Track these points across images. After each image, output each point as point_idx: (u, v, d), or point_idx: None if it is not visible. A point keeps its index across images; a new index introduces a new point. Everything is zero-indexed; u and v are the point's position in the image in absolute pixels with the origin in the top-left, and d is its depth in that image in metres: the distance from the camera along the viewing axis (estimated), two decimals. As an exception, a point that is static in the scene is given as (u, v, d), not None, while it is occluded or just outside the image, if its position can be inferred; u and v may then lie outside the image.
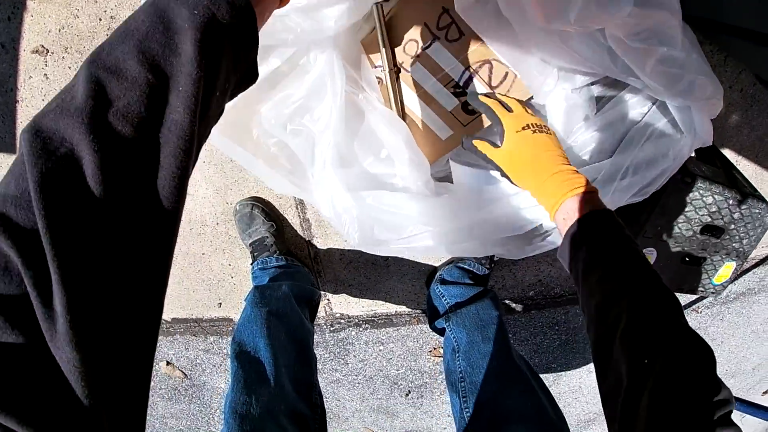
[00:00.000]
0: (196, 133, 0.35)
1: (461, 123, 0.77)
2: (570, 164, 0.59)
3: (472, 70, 0.74)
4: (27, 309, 0.27)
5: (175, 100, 0.34)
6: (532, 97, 0.75)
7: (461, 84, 0.76)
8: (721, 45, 0.96)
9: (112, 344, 0.29)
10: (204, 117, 0.37)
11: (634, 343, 0.42)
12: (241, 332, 0.87)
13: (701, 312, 1.44)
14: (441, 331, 1.00)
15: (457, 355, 0.87)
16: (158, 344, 1.37)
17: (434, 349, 1.35)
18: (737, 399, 1.34)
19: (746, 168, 1.16)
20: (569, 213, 0.55)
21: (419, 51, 0.73)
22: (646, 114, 0.75)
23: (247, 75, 0.42)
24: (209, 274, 1.23)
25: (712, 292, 0.97)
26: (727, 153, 1.13)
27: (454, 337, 0.90)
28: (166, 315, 1.31)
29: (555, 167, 0.58)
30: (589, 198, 0.55)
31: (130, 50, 0.33)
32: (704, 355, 0.41)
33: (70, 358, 0.27)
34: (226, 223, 1.14)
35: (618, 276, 0.48)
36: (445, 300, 1.03)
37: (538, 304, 1.26)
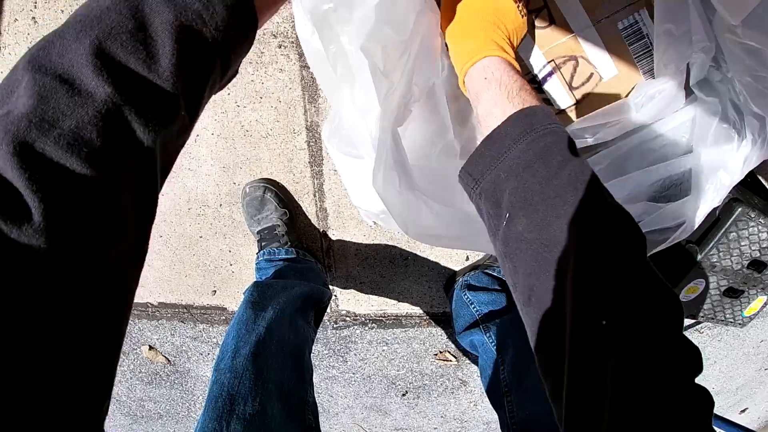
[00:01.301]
0: (159, 166, 0.28)
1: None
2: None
3: (554, 65, 0.64)
4: None
5: (139, 126, 0.25)
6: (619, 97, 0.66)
7: (539, 78, 0.65)
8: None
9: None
10: (175, 142, 0.29)
11: (586, 296, 0.32)
12: (228, 335, 0.76)
13: (702, 332, 1.44)
14: (472, 343, 0.91)
15: (502, 368, 0.78)
16: (141, 328, 1.25)
17: (440, 352, 1.28)
18: (715, 416, 1.35)
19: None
20: (486, 88, 0.41)
21: None
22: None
23: (228, 80, 0.34)
24: (205, 259, 1.10)
25: (740, 324, 0.97)
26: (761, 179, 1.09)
27: (496, 349, 0.82)
28: (153, 298, 1.19)
29: (492, 17, 0.44)
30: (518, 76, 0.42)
31: (85, 51, 0.24)
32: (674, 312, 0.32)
33: None
34: (230, 206, 1.01)
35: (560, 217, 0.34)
36: (474, 308, 0.94)
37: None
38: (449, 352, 1.28)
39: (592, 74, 0.65)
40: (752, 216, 0.80)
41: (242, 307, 0.81)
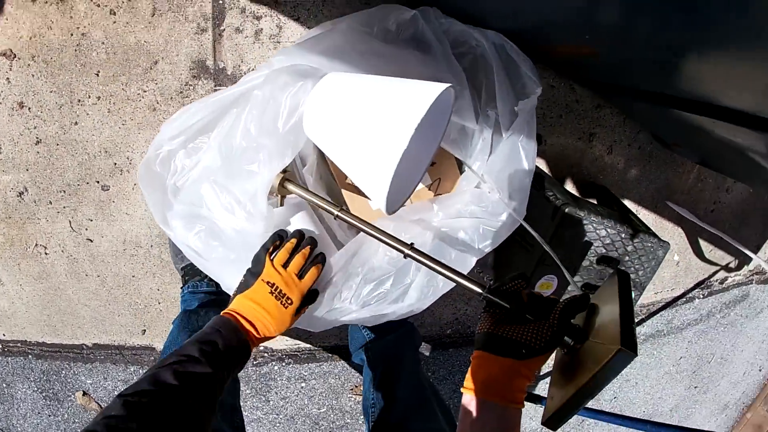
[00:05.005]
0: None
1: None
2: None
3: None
4: None
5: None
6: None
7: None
8: (620, 107, 1.10)
9: None
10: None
11: None
12: (165, 354, 0.91)
13: (612, 359, 1.54)
14: (360, 364, 1.06)
15: (373, 384, 0.94)
16: (76, 372, 1.34)
17: (356, 387, 1.38)
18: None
19: (647, 217, 1.29)
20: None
21: None
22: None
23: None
24: (137, 298, 1.25)
25: None
26: (629, 204, 1.25)
27: (371, 368, 0.97)
28: (88, 339, 1.30)
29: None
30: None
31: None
32: None
33: None
34: (160, 247, 1.20)
35: None
36: (365, 332, 1.10)
37: (455, 342, 1.34)
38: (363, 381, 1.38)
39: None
40: (582, 215, 0.88)
41: (174, 331, 0.97)
